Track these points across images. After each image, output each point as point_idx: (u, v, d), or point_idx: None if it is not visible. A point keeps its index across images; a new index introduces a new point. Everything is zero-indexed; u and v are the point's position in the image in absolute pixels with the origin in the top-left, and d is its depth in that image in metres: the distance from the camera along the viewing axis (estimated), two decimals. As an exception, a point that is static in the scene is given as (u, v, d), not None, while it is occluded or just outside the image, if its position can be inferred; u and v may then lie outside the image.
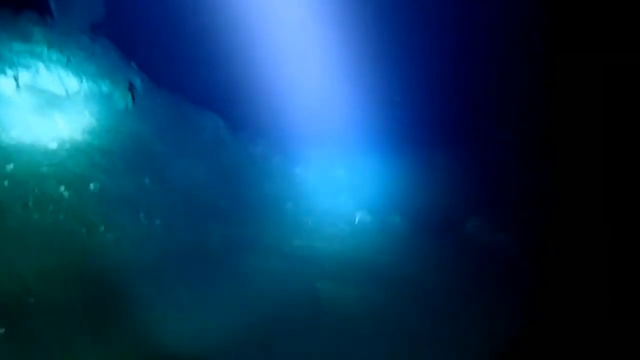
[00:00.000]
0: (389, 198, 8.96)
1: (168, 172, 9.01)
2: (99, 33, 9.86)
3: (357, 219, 8.84)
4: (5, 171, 6.93)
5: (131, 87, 9.53)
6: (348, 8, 10.24)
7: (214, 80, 9.87)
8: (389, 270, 7.66)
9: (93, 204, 7.38)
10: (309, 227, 8.72)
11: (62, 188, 7.24)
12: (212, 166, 9.37)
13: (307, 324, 6.26)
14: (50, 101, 8.60)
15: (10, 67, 8.30)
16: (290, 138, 9.88)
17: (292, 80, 10.31)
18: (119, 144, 8.75)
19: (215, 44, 9.81)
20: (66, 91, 8.75)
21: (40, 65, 8.69)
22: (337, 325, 6.29)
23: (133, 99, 9.43)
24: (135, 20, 10.20)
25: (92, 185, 7.65)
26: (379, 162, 9.46)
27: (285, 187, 9.56)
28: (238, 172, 9.40)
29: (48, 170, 7.47)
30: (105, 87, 9.25)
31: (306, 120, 9.86)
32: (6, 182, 6.80)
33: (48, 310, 5.46)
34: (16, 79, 8.20)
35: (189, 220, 8.24)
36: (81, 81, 8.98)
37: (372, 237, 8.72)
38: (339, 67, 10.16)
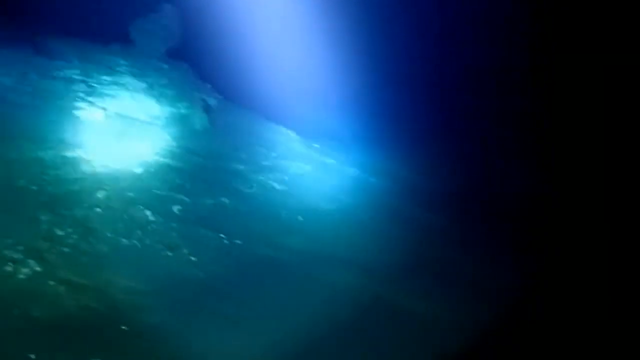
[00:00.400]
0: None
1: (245, 189, 9.26)
2: (176, 58, 10.34)
3: None
4: (97, 198, 7.46)
5: (207, 108, 9.90)
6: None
7: (283, 96, 9.99)
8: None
9: (176, 226, 7.74)
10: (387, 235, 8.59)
11: (149, 213, 7.66)
12: (287, 180, 9.48)
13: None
14: (134, 127, 9.15)
15: (99, 98, 8.93)
16: (364, 149, 9.76)
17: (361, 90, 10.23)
18: (198, 164, 9.11)
19: (281, 61, 9.93)
20: (148, 116, 9.26)
21: (126, 94, 9.26)
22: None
23: (209, 119, 9.78)
24: (209, 42, 10.57)
25: (174, 208, 8.03)
26: None
27: (362, 197, 9.46)
28: (313, 185, 9.43)
29: (135, 195, 7.94)
30: (183, 110, 9.68)
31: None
32: (98, 209, 7.31)
33: (139, 334, 5.78)
34: (104, 109, 8.80)
35: (265, 237, 8.41)
36: (162, 106, 9.46)
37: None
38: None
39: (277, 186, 9.38)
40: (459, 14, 10.20)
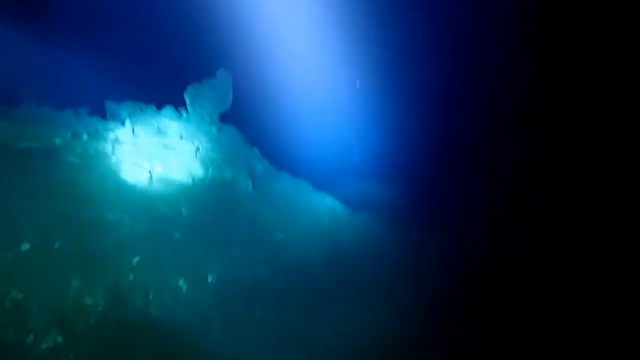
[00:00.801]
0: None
1: (284, 261, 8.82)
2: (226, 122, 10.32)
3: None
4: (131, 264, 7.20)
5: (252, 173, 9.69)
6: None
7: (330, 164, 9.66)
8: None
9: (209, 297, 7.33)
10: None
11: (182, 282, 7.31)
12: (328, 253, 8.97)
13: None
14: (177, 189, 9.01)
15: (146, 160, 8.91)
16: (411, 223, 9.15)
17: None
18: (238, 230, 8.80)
19: (329, 130, 9.69)
20: (192, 179, 9.12)
21: (173, 157, 9.22)
22: None
23: (253, 183, 9.55)
24: (260, 107, 10.54)
25: (209, 277, 7.66)
26: None
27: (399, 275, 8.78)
28: (353, 256, 8.86)
29: (170, 261, 7.65)
30: (228, 174, 9.52)
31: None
32: (131, 276, 7.04)
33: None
34: (150, 171, 8.74)
35: (301, 311, 7.85)
36: (207, 169, 9.34)
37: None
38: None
39: (317, 259, 8.90)
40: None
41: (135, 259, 7.44)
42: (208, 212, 8.95)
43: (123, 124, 8.90)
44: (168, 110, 9.65)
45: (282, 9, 10.63)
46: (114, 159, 8.54)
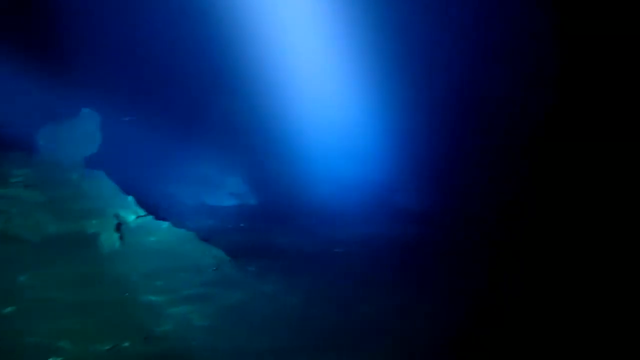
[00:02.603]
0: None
1: (157, 327, 7.23)
2: (93, 167, 8.84)
3: None
4: None
5: (121, 225, 8.16)
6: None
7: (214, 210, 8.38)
8: None
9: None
10: None
11: None
12: (211, 313, 7.47)
13: None
14: (21, 251, 7.31)
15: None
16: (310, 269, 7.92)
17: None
18: (98, 298, 7.16)
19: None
20: (41, 238, 7.47)
21: (15, 211, 7.55)
22: None
23: (122, 239, 8.01)
24: (136, 149, 9.15)
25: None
26: None
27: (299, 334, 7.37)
28: (242, 319, 7.40)
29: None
30: (90, 228, 7.94)
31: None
32: None
33: None
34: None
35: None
36: (61, 223, 7.73)
37: None
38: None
39: (197, 322, 7.36)
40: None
41: None
42: (58, 278, 7.28)
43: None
44: (15, 155, 8.05)
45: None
46: None
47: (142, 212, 8.60)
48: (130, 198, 8.71)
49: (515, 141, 9.30)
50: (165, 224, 8.71)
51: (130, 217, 8.34)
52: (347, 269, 8.07)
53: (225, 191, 10.45)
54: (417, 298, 7.64)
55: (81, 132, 8.82)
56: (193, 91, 10.25)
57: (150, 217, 8.57)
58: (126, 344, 6.83)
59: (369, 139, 10.43)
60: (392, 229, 9.46)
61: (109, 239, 7.78)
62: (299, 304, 7.54)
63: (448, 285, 7.84)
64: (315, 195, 9.64)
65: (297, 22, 9.72)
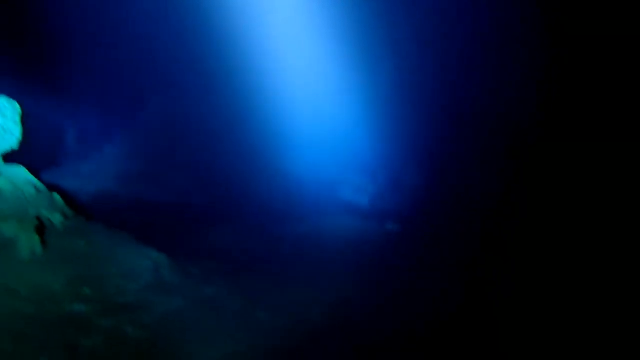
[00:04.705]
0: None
1: (85, 341, 6.46)
2: (10, 162, 7.89)
3: None
4: None
5: (44, 227, 7.28)
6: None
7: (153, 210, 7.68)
8: None
9: None
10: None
11: None
12: (148, 322, 6.76)
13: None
14: None
15: None
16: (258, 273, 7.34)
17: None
18: (17, 311, 6.30)
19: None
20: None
21: None
22: None
23: (45, 243, 7.14)
24: (58, 142, 8.26)
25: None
26: None
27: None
28: (183, 327, 6.74)
29: None
30: (6, 231, 7.03)
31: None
32: None
33: None
34: None
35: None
36: (-30, 227, 6.78)
37: None
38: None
39: (131, 332, 6.64)
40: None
41: None
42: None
43: None
44: None
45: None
46: None
47: (70, 212, 7.75)
48: (56, 196, 7.84)
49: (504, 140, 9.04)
50: (97, 225, 7.90)
51: (56, 218, 7.46)
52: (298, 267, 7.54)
53: (166, 188, 9.69)
54: (368, 295, 7.23)
55: (-2, 125, 7.84)
56: (127, 87, 9.41)
57: (80, 218, 7.73)
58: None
59: (315, 135, 9.96)
60: (341, 224, 9.04)
61: (29, 244, 6.89)
62: (243, 309, 6.96)
63: (399, 283, 7.50)
64: (263, 193, 9.06)
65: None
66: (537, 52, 8.77)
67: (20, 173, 7.82)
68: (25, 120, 7.96)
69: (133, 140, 8.97)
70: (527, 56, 8.85)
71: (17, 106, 8.11)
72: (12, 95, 8.10)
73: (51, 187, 7.95)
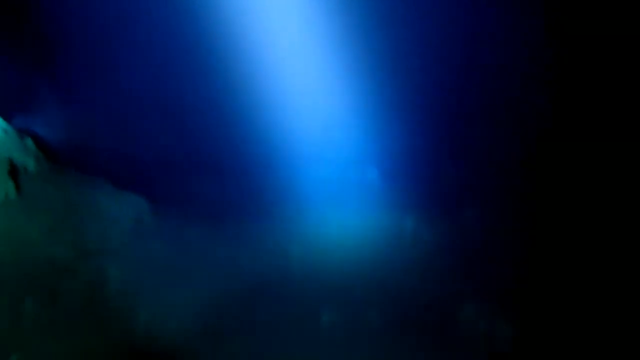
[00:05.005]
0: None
1: (66, 285, 6.40)
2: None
3: None
4: None
5: (19, 171, 7.06)
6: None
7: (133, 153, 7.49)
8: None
9: None
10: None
11: None
12: (129, 267, 6.70)
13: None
14: None
15: None
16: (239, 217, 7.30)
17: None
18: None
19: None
20: None
21: None
22: None
23: (19, 187, 6.94)
24: (33, 86, 7.93)
25: None
26: None
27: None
28: (164, 272, 6.71)
29: None
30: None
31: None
32: None
33: None
34: None
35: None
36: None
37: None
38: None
39: (114, 274, 6.59)
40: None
41: None
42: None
43: None
44: None
45: None
46: None
47: (44, 158, 7.50)
48: (29, 140, 7.57)
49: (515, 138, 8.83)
50: (73, 172, 7.68)
51: (30, 164, 7.23)
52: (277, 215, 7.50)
53: (145, 138, 9.41)
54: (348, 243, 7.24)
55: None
56: (107, 40, 8.93)
57: (55, 165, 7.50)
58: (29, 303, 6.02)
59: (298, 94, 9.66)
60: (322, 175, 8.97)
61: (2, 187, 6.68)
62: (223, 254, 6.94)
63: (381, 230, 7.51)
64: (244, 143, 8.88)
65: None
66: (538, 52, 8.63)
67: (-9, 117, 7.49)
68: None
69: (111, 92, 8.63)
70: (527, 56, 8.69)
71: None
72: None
73: (23, 133, 7.64)
